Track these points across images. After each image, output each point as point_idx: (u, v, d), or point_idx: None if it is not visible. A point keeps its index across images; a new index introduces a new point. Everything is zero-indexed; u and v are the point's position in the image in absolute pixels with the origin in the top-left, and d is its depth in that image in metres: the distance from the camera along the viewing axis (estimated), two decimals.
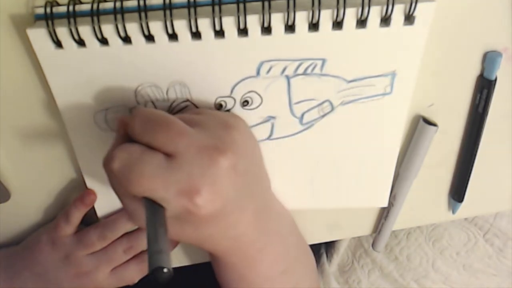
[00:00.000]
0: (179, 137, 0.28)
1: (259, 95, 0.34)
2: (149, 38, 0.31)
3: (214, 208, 0.29)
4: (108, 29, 0.30)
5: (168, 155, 0.28)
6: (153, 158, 0.28)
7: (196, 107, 0.34)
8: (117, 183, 0.29)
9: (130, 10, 0.30)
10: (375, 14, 0.30)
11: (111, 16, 0.29)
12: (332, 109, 0.35)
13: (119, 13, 0.29)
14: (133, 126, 0.29)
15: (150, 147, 0.28)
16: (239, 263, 0.36)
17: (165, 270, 0.25)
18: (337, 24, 0.30)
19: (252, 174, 0.32)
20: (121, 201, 0.31)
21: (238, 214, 0.31)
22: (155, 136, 0.28)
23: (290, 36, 0.31)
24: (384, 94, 0.34)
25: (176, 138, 0.28)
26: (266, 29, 0.30)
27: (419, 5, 0.29)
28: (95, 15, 0.29)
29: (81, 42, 0.30)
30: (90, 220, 0.42)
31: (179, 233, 0.31)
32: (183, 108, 0.35)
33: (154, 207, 0.28)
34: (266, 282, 0.38)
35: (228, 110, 0.35)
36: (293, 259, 0.40)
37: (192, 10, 0.29)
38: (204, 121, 0.31)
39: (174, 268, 0.38)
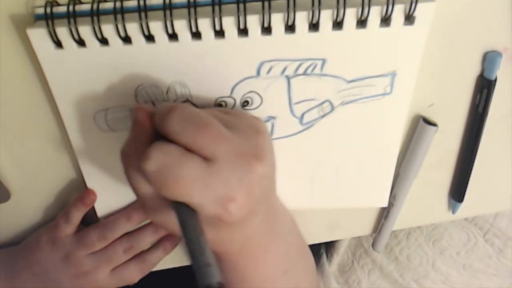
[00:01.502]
0: (219, 142, 0.27)
1: (259, 95, 0.34)
2: (149, 38, 0.31)
3: (243, 215, 0.29)
4: (108, 29, 0.30)
5: (206, 159, 0.27)
6: (192, 162, 0.27)
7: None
8: (146, 183, 0.29)
9: (130, 10, 0.30)
10: (375, 14, 0.30)
11: (111, 16, 0.29)
12: (332, 109, 0.35)
13: (119, 13, 0.29)
14: (170, 123, 0.27)
15: (187, 148, 0.28)
16: (242, 264, 0.36)
17: (216, 284, 0.24)
18: (337, 24, 0.30)
19: (272, 179, 0.32)
20: (141, 199, 0.30)
21: (252, 218, 0.31)
22: (195, 138, 0.27)
23: (290, 36, 0.31)
24: (384, 94, 0.34)
25: (216, 142, 0.27)
26: (266, 29, 0.30)
27: (419, 5, 0.29)
28: (95, 15, 0.29)
29: (81, 42, 0.30)
30: (90, 220, 0.42)
31: None
32: None
33: (187, 212, 0.27)
34: (268, 282, 0.38)
35: None
36: (294, 259, 0.40)
37: (192, 10, 0.29)
38: (236, 124, 0.30)
39: (175, 268, 0.38)
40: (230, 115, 0.31)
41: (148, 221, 0.43)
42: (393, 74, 0.33)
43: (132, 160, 0.29)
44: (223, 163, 0.27)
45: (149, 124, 0.29)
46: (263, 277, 0.37)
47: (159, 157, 0.27)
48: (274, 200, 0.37)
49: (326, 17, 0.30)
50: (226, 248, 0.33)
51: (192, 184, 0.27)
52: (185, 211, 0.27)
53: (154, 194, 0.29)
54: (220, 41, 0.31)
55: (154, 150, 0.27)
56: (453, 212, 0.46)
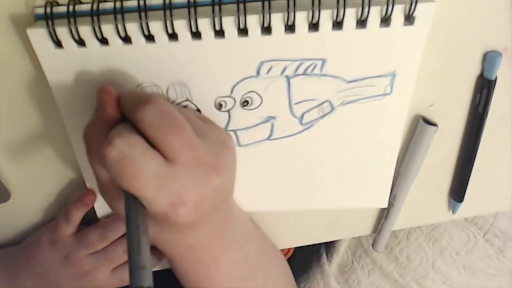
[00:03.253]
0: (187, 148, 0.28)
1: (259, 95, 0.34)
2: (149, 38, 0.31)
3: (190, 220, 0.29)
4: (108, 29, 0.30)
5: (168, 159, 0.28)
6: (154, 160, 0.27)
7: (196, 107, 0.34)
8: (104, 168, 0.29)
9: (130, 10, 0.30)
10: (375, 14, 0.30)
11: (111, 16, 0.29)
12: (332, 109, 0.35)
13: (119, 13, 0.29)
14: (144, 114, 0.27)
15: (151, 144, 0.28)
16: (193, 269, 0.36)
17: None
18: (337, 24, 0.30)
19: (227, 192, 0.33)
20: (97, 180, 0.30)
21: (200, 226, 0.32)
22: (165, 137, 0.27)
23: (290, 36, 0.31)
24: (384, 94, 0.34)
25: (184, 148, 0.28)
26: (266, 29, 0.30)
27: (419, 5, 0.29)
28: (95, 15, 0.29)
29: (81, 42, 0.30)
30: (90, 220, 0.42)
31: None
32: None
33: (136, 206, 0.28)
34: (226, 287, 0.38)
35: (228, 110, 0.35)
36: (253, 265, 0.40)
37: (192, 10, 0.29)
38: (208, 134, 0.31)
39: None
40: (205, 123, 0.32)
41: None
42: (393, 74, 0.33)
43: (94, 142, 0.29)
44: (184, 168, 0.28)
45: (113, 107, 0.29)
46: (219, 282, 0.37)
47: (122, 147, 0.27)
48: (228, 210, 0.37)
49: (326, 17, 0.30)
50: (173, 251, 0.34)
51: (148, 181, 0.27)
52: (134, 205, 0.28)
53: (111, 179, 0.29)
54: (220, 41, 0.31)
55: (117, 137, 0.27)
56: (453, 212, 0.46)
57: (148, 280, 0.25)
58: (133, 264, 0.25)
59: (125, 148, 0.27)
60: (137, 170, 0.27)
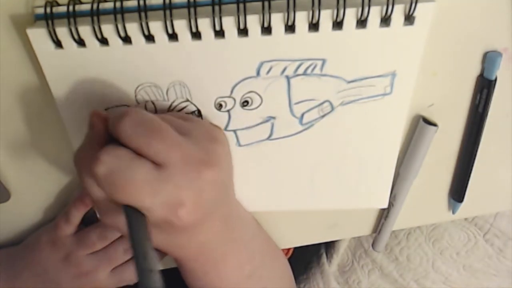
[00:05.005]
0: (172, 149, 0.28)
1: (259, 95, 0.34)
2: (149, 38, 0.31)
3: (193, 220, 0.29)
4: (108, 29, 0.30)
5: (157, 164, 0.28)
6: (142, 167, 0.27)
7: (196, 107, 0.34)
8: (98, 186, 0.29)
9: (130, 10, 0.30)
10: (375, 14, 0.30)
11: (111, 16, 0.29)
12: (332, 109, 0.35)
13: (119, 13, 0.29)
14: (123, 127, 0.28)
15: (138, 153, 0.28)
16: (202, 268, 0.36)
17: None
18: (337, 24, 0.30)
19: (225, 185, 0.33)
20: (94, 202, 0.31)
21: (207, 223, 0.32)
22: (147, 143, 0.27)
23: (290, 36, 0.31)
24: (384, 94, 0.34)
25: (169, 149, 0.28)
26: (266, 29, 0.30)
27: (419, 5, 0.29)
28: (95, 15, 0.29)
29: (81, 42, 0.30)
30: (90, 220, 0.42)
31: None
32: (183, 108, 0.35)
33: (136, 216, 0.28)
34: (231, 286, 0.38)
35: (228, 111, 0.35)
36: (259, 263, 0.40)
37: (192, 10, 0.29)
38: (193, 131, 0.31)
39: (175, 268, 0.38)
40: (188, 122, 0.32)
41: None
42: (393, 74, 0.33)
43: (84, 164, 0.29)
44: (173, 169, 0.28)
45: (102, 128, 0.29)
46: (226, 281, 0.37)
47: (109, 161, 0.27)
48: (232, 206, 0.37)
49: (326, 17, 0.30)
50: (183, 253, 0.34)
51: (141, 188, 0.27)
52: (134, 215, 0.28)
53: (106, 197, 0.29)
54: (220, 41, 0.31)
55: (104, 154, 0.27)
56: (453, 212, 0.46)
57: (157, 282, 0.25)
58: (140, 269, 0.25)
59: (112, 161, 0.27)
60: (127, 179, 0.27)
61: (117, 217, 0.29)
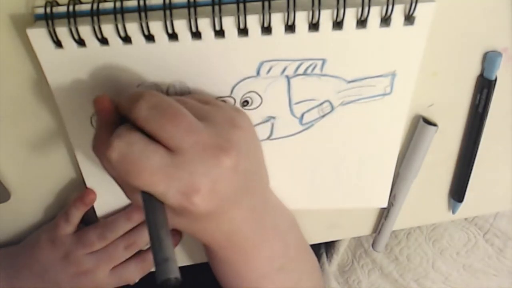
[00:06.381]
0: (188, 134, 0.27)
1: (259, 95, 0.34)
2: (149, 38, 0.31)
3: (210, 207, 0.28)
4: (108, 29, 0.30)
5: (171, 149, 0.27)
6: (156, 153, 0.27)
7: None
8: (115, 172, 0.28)
9: (130, 10, 0.30)
10: (375, 14, 0.30)
11: (111, 16, 0.29)
12: (332, 109, 0.35)
13: (119, 13, 0.29)
14: (138, 109, 0.27)
15: (152, 137, 0.27)
16: (233, 258, 0.36)
17: (174, 279, 0.24)
18: (337, 24, 0.30)
19: (251, 172, 0.32)
20: (119, 185, 0.31)
21: (233, 211, 0.31)
22: (162, 127, 0.27)
23: (290, 36, 0.31)
24: (384, 94, 0.34)
25: (185, 134, 0.27)
26: (266, 29, 0.30)
27: (419, 5, 0.29)
28: (95, 15, 0.29)
29: (81, 42, 0.30)
30: (90, 219, 0.42)
31: (174, 223, 0.30)
32: None
33: (153, 202, 0.27)
34: (262, 278, 0.38)
35: None
36: (292, 256, 0.40)
37: (192, 10, 0.29)
38: (212, 115, 0.30)
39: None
40: (209, 105, 0.31)
41: None
42: (393, 74, 0.33)
43: (100, 149, 0.29)
44: (189, 155, 0.27)
45: (111, 111, 0.29)
46: (257, 273, 0.37)
47: (122, 146, 0.27)
48: (266, 196, 0.37)
49: (326, 17, 0.30)
50: (212, 239, 0.33)
51: (154, 175, 0.27)
52: (151, 201, 0.27)
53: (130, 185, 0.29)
54: (220, 41, 0.31)
55: (116, 139, 0.27)
56: (453, 212, 0.46)
57: (174, 271, 0.24)
58: (156, 258, 0.25)
59: (125, 147, 0.27)
60: (140, 166, 0.27)
61: (139, 197, 0.29)
